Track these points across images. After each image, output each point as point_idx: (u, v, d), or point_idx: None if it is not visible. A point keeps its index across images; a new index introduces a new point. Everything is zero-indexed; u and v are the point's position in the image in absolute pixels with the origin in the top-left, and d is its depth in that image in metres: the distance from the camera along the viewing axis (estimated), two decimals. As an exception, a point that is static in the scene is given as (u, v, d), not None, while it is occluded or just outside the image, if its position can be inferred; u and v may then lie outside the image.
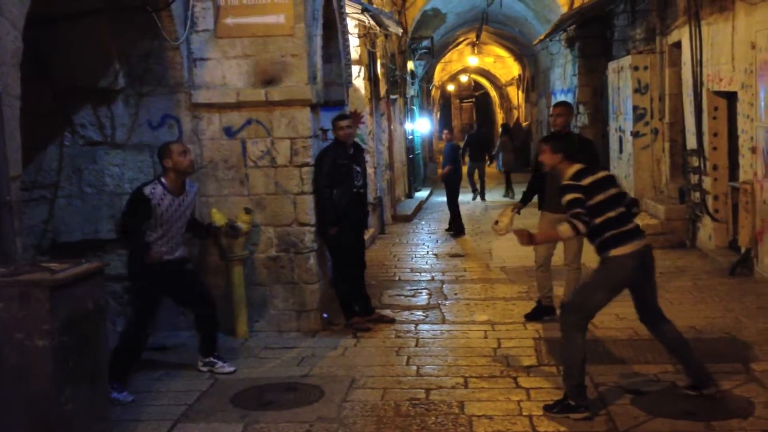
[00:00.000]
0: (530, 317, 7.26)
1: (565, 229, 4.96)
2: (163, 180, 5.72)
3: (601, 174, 5.11)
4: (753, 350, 6.01)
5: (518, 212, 7.03)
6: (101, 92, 6.90)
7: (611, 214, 4.96)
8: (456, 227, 13.06)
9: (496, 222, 6.74)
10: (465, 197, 18.42)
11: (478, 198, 18.11)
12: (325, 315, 7.21)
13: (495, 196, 18.73)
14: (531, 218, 7.47)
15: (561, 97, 18.83)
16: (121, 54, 6.76)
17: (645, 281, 5.11)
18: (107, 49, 6.63)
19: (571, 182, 5.05)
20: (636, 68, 11.97)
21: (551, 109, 7.44)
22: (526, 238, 5.18)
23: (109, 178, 7.04)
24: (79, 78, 6.84)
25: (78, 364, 4.12)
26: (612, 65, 13.49)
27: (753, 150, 8.25)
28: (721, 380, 5.37)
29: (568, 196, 4.96)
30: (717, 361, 5.78)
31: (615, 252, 4.93)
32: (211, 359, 6.06)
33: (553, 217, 7.02)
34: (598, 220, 4.93)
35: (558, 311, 7.02)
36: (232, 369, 6.03)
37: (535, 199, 7.50)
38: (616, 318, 6.98)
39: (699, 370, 5.15)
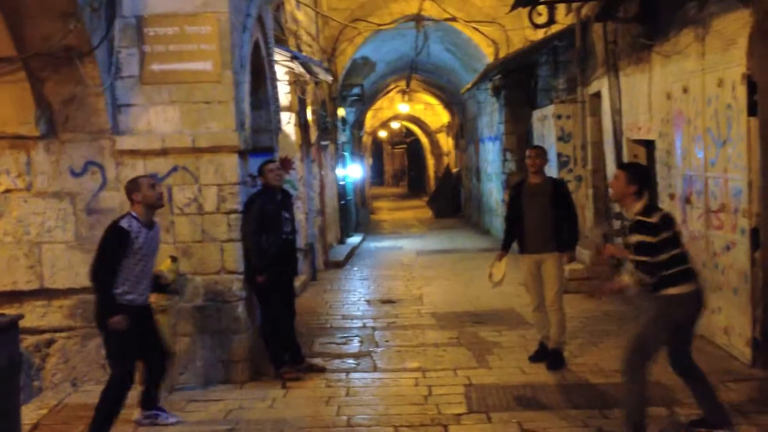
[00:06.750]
0: (534, 359, 7.23)
1: (630, 281, 5.12)
2: (134, 213, 5.57)
3: (664, 211, 5.27)
4: (675, 394, 6.10)
5: (500, 260, 7.31)
6: (21, 139, 6.71)
7: (675, 251, 5.00)
8: None
9: (491, 275, 7.13)
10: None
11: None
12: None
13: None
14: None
15: (489, 145, 19.22)
16: (42, 100, 6.60)
17: (695, 323, 5.20)
18: (27, 95, 6.47)
19: (641, 218, 5.02)
20: (559, 117, 12.28)
21: (527, 151, 7.45)
22: (604, 293, 5.86)
23: (29, 227, 6.82)
24: (-3, 124, 6.66)
25: (-12, 424, 3.92)
26: (536, 114, 13.83)
27: (671, 196, 8.54)
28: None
29: (637, 237, 4.98)
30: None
31: (675, 291, 4.98)
32: (155, 411, 5.87)
33: (533, 259, 7.13)
34: (663, 257, 4.94)
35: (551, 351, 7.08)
36: (176, 419, 5.86)
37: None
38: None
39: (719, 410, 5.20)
